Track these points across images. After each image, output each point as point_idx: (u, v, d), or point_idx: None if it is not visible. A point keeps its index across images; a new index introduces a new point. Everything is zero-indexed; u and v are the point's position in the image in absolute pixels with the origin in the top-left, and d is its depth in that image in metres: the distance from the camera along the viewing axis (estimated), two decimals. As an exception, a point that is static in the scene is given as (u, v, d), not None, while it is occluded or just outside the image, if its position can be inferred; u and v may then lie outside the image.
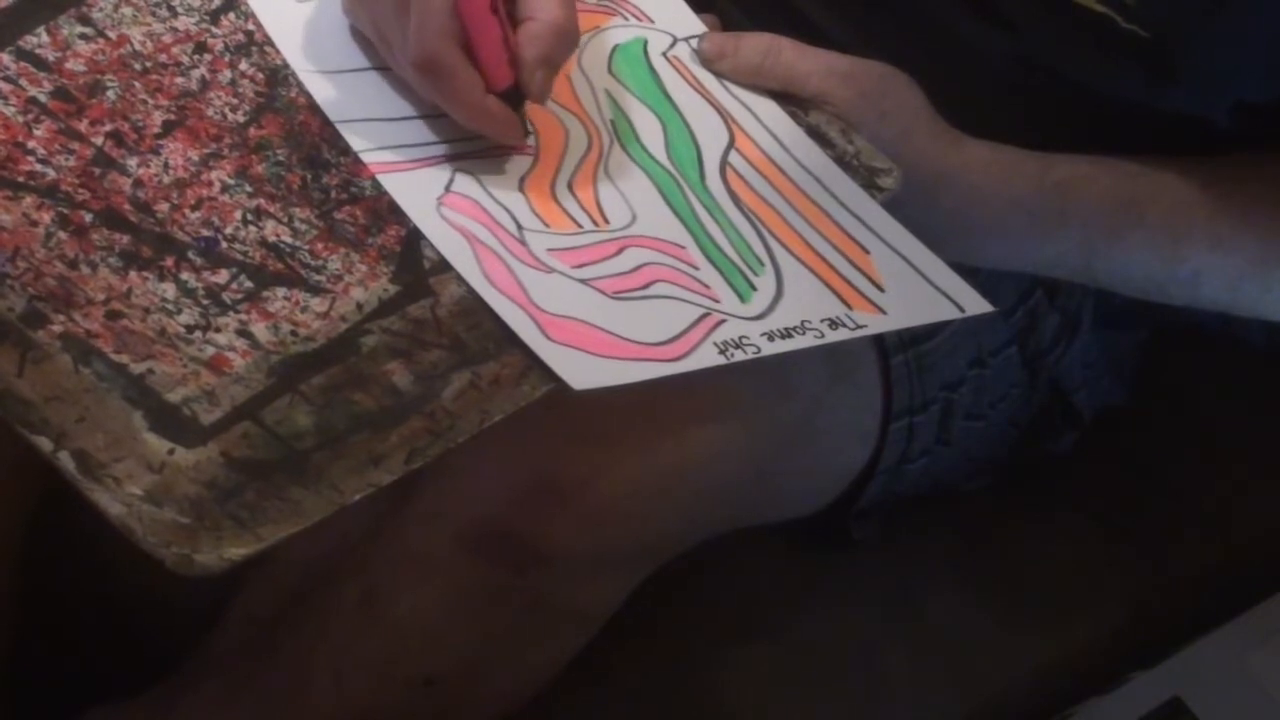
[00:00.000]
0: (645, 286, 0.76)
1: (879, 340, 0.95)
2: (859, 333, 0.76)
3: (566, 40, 0.78)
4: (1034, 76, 0.87)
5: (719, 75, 0.86)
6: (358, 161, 0.77)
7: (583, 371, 0.69)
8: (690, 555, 0.96)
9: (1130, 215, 0.86)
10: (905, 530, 1.07)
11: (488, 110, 0.76)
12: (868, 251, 0.80)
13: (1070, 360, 1.05)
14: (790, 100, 0.86)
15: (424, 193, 0.77)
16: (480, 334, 0.71)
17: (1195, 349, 1.18)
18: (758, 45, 0.84)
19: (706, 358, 0.72)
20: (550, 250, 0.76)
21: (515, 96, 0.78)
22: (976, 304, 0.78)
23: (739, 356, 0.73)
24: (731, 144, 0.85)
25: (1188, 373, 1.20)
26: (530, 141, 0.82)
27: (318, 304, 0.72)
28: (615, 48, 0.89)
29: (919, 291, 0.79)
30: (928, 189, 0.84)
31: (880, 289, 0.78)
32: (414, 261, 0.74)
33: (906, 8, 0.90)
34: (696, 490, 0.87)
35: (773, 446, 0.89)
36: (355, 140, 0.78)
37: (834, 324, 0.76)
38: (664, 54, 0.89)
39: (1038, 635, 1.07)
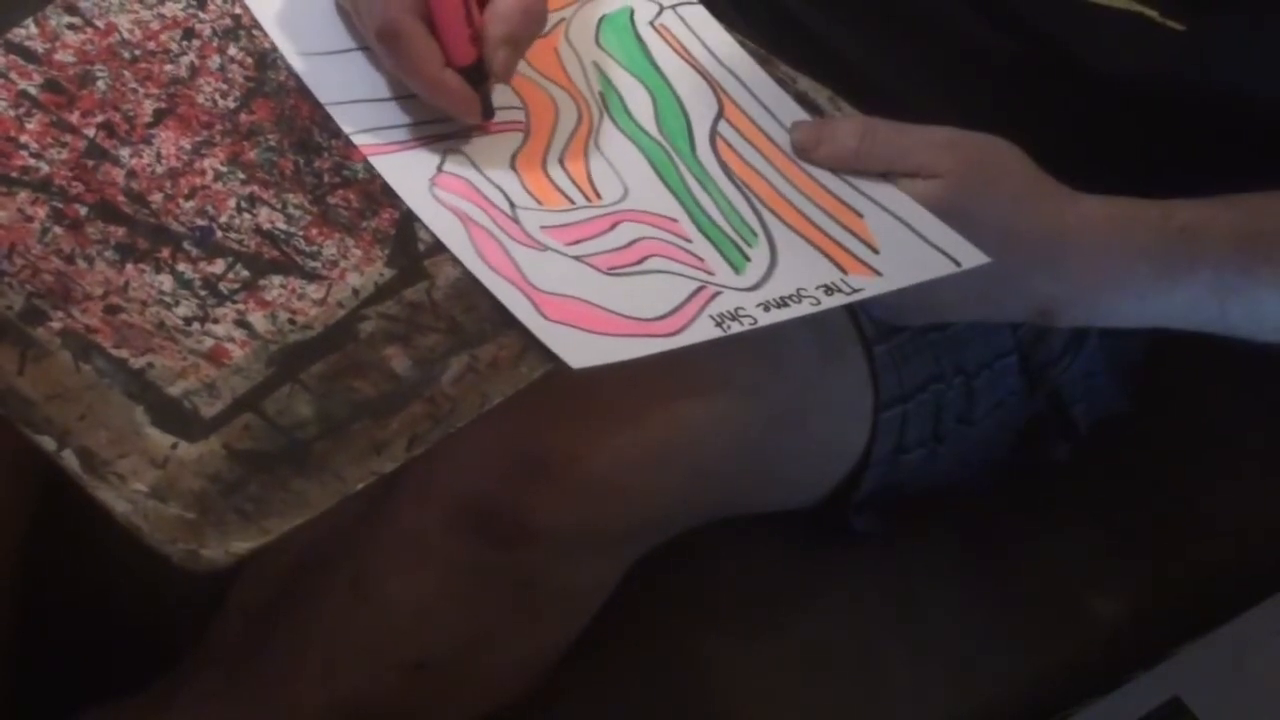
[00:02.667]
0: (639, 262, 0.79)
1: (860, 330, 0.98)
2: (855, 297, 0.78)
3: (533, 20, 0.82)
4: (1048, 76, 0.91)
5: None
6: (349, 144, 0.81)
7: (580, 350, 0.72)
8: (690, 553, 0.98)
9: (1261, 251, 0.88)
10: (905, 531, 1.09)
11: (444, 84, 0.80)
12: (861, 215, 0.82)
13: (1075, 371, 1.08)
14: (779, 67, 0.89)
15: (416, 174, 0.80)
16: (476, 316, 0.74)
17: (1195, 349, 1.21)
18: (853, 129, 0.85)
19: (703, 331, 0.75)
20: (544, 228, 0.79)
21: (477, 74, 0.81)
22: (972, 257, 0.80)
23: (736, 328, 0.75)
24: (721, 113, 0.88)
25: (1188, 373, 1.21)
26: (519, 117, 0.85)
27: (314, 291, 0.75)
28: (602, 19, 0.92)
29: (914, 250, 0.81)
30: (1048, 252, 0.85)
31: (875, 251, 0.81)
32: (408, 244, 0.77)
33: (909, 11, 0.94)
34: (686, 467, 0.89)
35: (764, 425, 0.92)
36: (346, 122, 0.81)
37: (829, 290, 0.78)
38: (651, 23, 0.92)
39: (1038, 636, 1.09)
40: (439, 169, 0.81)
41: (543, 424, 0.85)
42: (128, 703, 0.94)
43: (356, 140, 0.81)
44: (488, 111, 0.83)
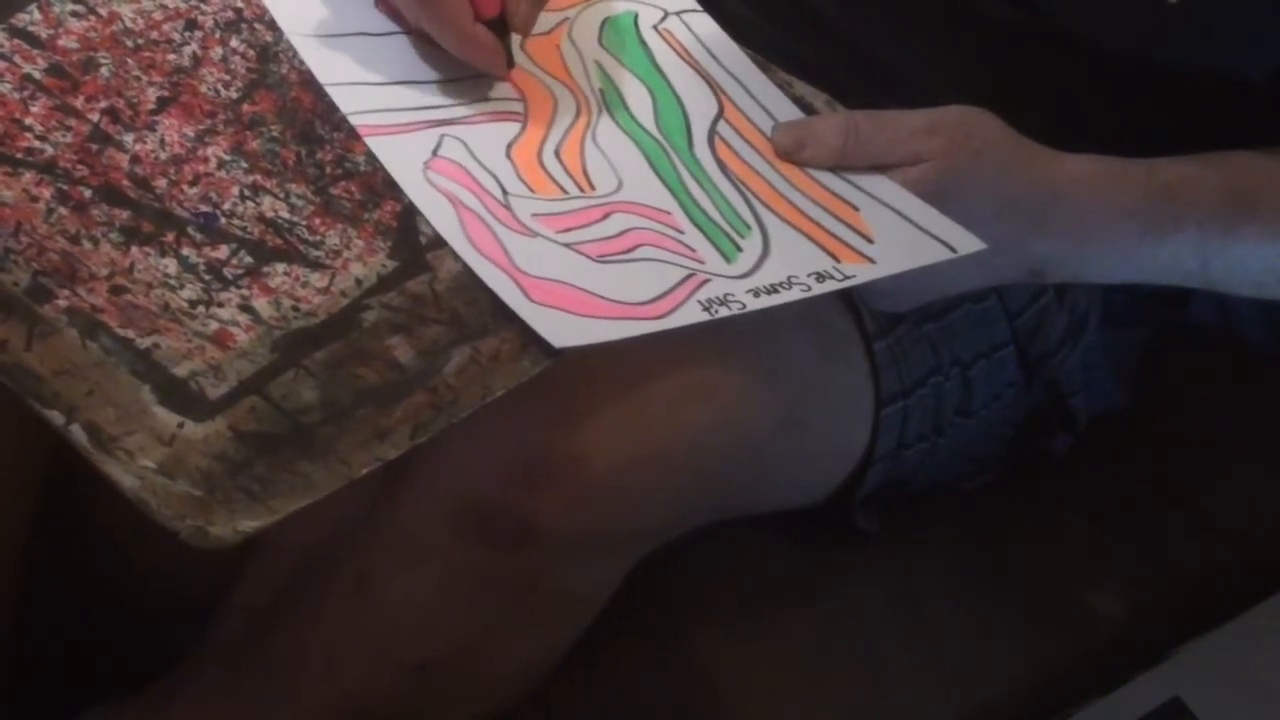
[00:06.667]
0: (630, 250, 0.79)
1: (862, 327, 0.99)
2: (847, 283, 0.79)
3: None
4: (1045, 47, 0.92)
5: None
6: (351, 136, 0.81)
7: (564, 330, 0.73)
8: (690, 553, 0.98)
9: (1242, 210, 0.90)
10: (906, 530, 1.10)
11: (475, 37, 0.83)
12: (857, 208, 0.83)
13: (1073, 363, 1.09)
14: (778, 73, 0.91)
15: (411, 156, 0.81)
16: (478, 309, 0.75)
17: (1195, 349, 1.22)
18: (835, 127, 0.86)
19: (691, 315, 0.75)
20: (535, 215, 0.80)
21: (500, 27, 0.84)
22: (968, 243, 0.81)
23: (724, 313, 0.76)
24: (720, 115, 0.89)
25: (1188, 373, 1.24)
26: (517, 109, 0.86)
27: (318, 279, 0.75)
28: (606, 20, 0.93)
29: (909, 238, 0.82)
30: (1037, 215, 0.87)
31: (870, 241, 0.82)
32: (411, 237, 0.78)
33: None
34: (688, 469, 0.89)
35: (767, 426, 0.92)
36: (344, 102, 0.82)
37: (821, 277, 0.79)
38: (655, 27, 0.93)
39: (1038, 635, 1.09)
40: (434, 153, 0.82)
41: (545, 426, 0.85)
42: (128, 703, 0.94)
43: (354, 121, 0.82)
44: (510, 62, 0.86)
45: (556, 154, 0.85)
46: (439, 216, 0.78)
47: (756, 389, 0.91)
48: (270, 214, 0.77)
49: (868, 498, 1.04)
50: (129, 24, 0.82)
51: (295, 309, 0.74)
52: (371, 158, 0.81)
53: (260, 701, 0.91)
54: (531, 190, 0.82)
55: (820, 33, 0.97)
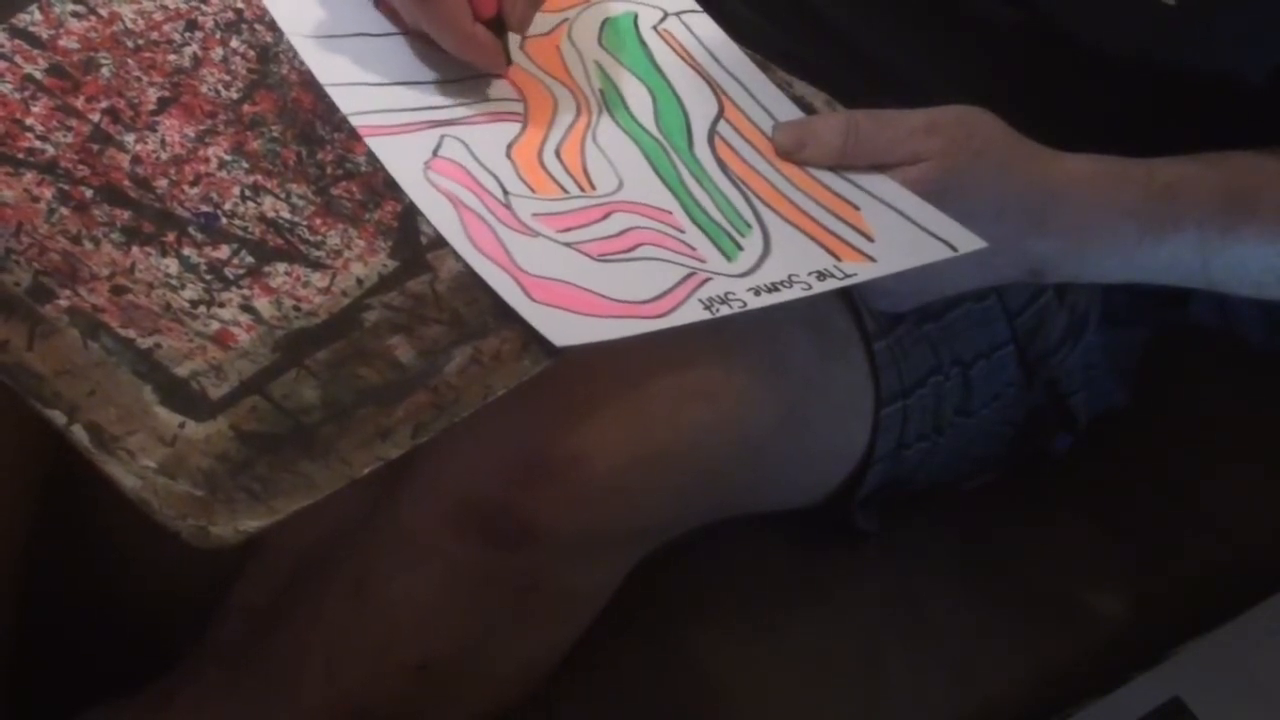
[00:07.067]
0: (630, 249, 0.80)
1: (862, 327, 0.99)
2: (848, 281, 0.79)
3: None
4: (1044, 48, 0.92)
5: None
6: (351, 137, 0.82)
7: (565, 329, 0.73)
8: (690, 553, 0.99)
9: (1242, 209, 0.90)
10: (906, 529, 1.10)
11: (474, 36, 0.83)
12: (858, 208, 0.84)
13: (1073, 362, 1.09)
14: (777, 73, 0.91)
15: (411, 157, 0.81)
16: (479, 309, 0.75)
17: (1195, 349, 1.23)
18: (835, 126, 0.87)
19: (691, 313, 0.76)
20: (536, 215, 0.80)
21: (497, 26, 0.84)
22: (969, 242, 0.82)
23: (724, 311, 0.76)
24: (720, 114, 0.89)
25: (1188, 373, 1.24)
26: (518, 109, 0.86)
27: (319, 279, 0.76)
28: (605, 21, 0.94)
29: (910, 237, 0.82)
30: (1037, 214, 0.88)
31: (870, 239, 0.82)
32: (412, 237, 0.78)
33: None
34: (689, 469, 0.89)
35: (767, 426, 0.92)
36: (344, 103, 0.83)
37: (822, 275, 0.79)
38: (654, 28, 0.94)
39: (1038, 635, 1.09)
40: (434, 153, 0.82)
41: (545, 426, 0.85)
42: (128, 703, 0.94)
43: (355, 122, 0.82)
44: (507, 59, 0.86)
45: (557, 154, 0.85)
46: (440, 216, 0.78)
47: (757, 388, 0.91)
48: (271, 214, 0.77)
49: (868, 498, 1.04)
50: (129, 24, 0.83)
51: (296, 309, 0.74)
52: (372, 158, 0.81)
53: (260, 702, 0.91)
54: (532, 190, 0.82)
55: (820, 33, 0.98)
